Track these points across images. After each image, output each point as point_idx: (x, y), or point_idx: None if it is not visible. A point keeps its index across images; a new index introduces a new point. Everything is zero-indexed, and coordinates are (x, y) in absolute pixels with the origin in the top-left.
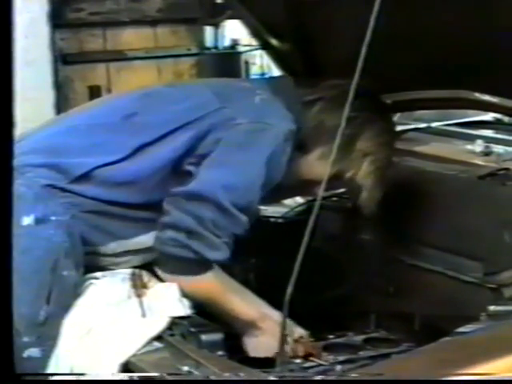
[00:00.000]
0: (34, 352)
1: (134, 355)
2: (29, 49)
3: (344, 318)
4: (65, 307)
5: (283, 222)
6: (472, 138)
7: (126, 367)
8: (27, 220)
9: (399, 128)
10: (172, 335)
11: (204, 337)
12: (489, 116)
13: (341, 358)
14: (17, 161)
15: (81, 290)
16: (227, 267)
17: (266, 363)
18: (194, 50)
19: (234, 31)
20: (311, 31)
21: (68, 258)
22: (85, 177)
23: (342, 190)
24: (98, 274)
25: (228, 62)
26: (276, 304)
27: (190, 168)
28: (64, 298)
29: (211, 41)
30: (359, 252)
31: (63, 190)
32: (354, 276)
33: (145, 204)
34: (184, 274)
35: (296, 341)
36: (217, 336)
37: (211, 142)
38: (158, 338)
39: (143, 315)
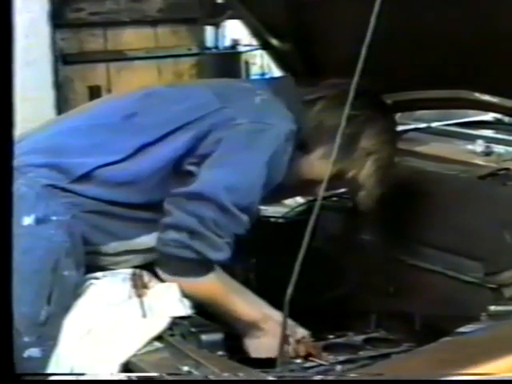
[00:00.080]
0: (34, 352)
1: (135, 355)
2: (29, 49)
3: (344, 318)
4: (65, 307)
5: (284, 222)
6: (472, 138)
7: (126, 367)
8: (28, 220)
9: (399, 128)
10: (172, 335)
11: (204, 337)
12: (489, 116)
13: (341, 358)
14: (18, 161)
15: (81, 290)
16: (227, 267)
17: (266, 364)
18: (195, 50)
19: (235, 31)
20: (311, 31)
21: (69, 257)
22: (86, 177)
23: (342, 190)
24: (98, 274)
25: (228, 62)
26: (276, 304)
27: (191, 168)
28: (65, 298)
29: (211, 41)
30: (359, 252)
31: (64, 189)
32: (354, 276)
33: (145, 204)
34: (186, 275)
35: (298, 341)
36: (217, 336)
37: (212, 142)
38: (159, 338)
39: (144, 315)
